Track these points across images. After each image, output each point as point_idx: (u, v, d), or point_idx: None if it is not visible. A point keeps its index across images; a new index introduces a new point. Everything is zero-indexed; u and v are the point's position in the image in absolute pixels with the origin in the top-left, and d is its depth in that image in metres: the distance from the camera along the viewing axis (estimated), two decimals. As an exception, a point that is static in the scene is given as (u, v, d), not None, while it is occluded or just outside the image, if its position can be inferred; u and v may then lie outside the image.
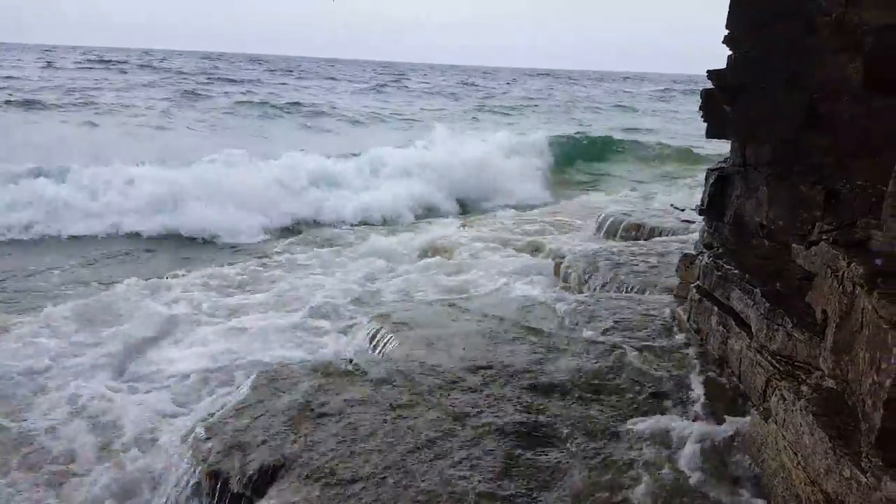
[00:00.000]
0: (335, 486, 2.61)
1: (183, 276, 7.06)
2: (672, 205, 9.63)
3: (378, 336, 4.58)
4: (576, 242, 8.11)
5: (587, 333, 4.14)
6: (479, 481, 2.63)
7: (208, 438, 2.95)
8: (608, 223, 8.60)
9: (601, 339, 4.05)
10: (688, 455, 2.79)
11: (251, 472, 2.71)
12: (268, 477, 2.69)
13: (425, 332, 4.24)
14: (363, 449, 2.85)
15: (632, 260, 6.25)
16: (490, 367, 3.64)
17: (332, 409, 3.20)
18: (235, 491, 2.69)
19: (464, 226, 9.87)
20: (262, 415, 3.14)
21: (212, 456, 2.82)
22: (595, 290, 5.62)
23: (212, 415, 3.22)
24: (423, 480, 2.64)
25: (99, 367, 4.76)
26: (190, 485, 2.80)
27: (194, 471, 2.80)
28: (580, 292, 5.70)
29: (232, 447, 2.86)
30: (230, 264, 7.68)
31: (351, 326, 5.45)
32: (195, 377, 4.63)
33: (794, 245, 3.01)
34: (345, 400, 3.29)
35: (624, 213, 8.91)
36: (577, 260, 6.34)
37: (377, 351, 4.38)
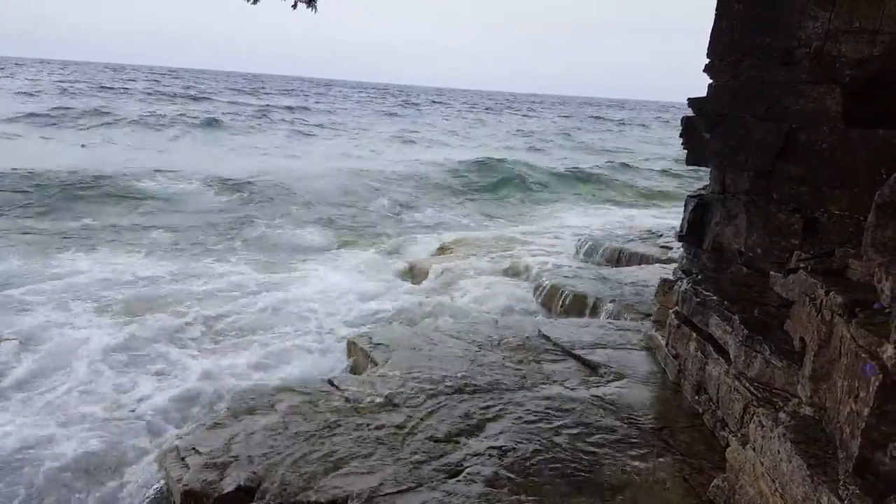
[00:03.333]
0: (311, 508, 2.56)
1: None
2: (650, 230, 9.76)
3: (357, 356, 4.54)
4: (553, 264, 8.14)
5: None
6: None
7: (183, 458, 2.88)
8: (587, 246, 8.67)
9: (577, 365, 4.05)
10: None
11: (226, 493, 2.64)
12: (243, 498, 2.62)
13: (405, 354, 4.20)
14: (342, 471, 2.80)
15: (613, 284, 6.31)
16: (466, 391, 3.62)
17: (310, 430, 3.15)
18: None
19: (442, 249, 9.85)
20: (237, 433, 3.08)
21: (188, 475, 2.75)
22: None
23: (189, 433, 3.14)
24: (401, 504, 2.59)
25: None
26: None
27: (169, 489, 2.72)
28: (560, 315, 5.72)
29: (208, 466, 2.80)
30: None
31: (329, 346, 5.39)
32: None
33: (772, 273, 3.06)
34: (324, 420, 3.24)
35: (604, 237, 8.99)
36: (557, 283, 6.37)
37: (356, 371, 4.34)
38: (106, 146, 18.27)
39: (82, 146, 17.88)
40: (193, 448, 2.95)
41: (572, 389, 3.68)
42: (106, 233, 9.59)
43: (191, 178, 13.80)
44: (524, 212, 14.25)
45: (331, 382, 3.75)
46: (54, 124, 21.77)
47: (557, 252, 8.90)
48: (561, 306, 6.21)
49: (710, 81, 3.84)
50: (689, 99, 3.90)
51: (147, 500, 2.89)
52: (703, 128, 3.88)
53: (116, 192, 12.12)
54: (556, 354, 4.25)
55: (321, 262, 8.77)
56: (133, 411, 4.16)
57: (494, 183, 17.12)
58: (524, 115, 51.73)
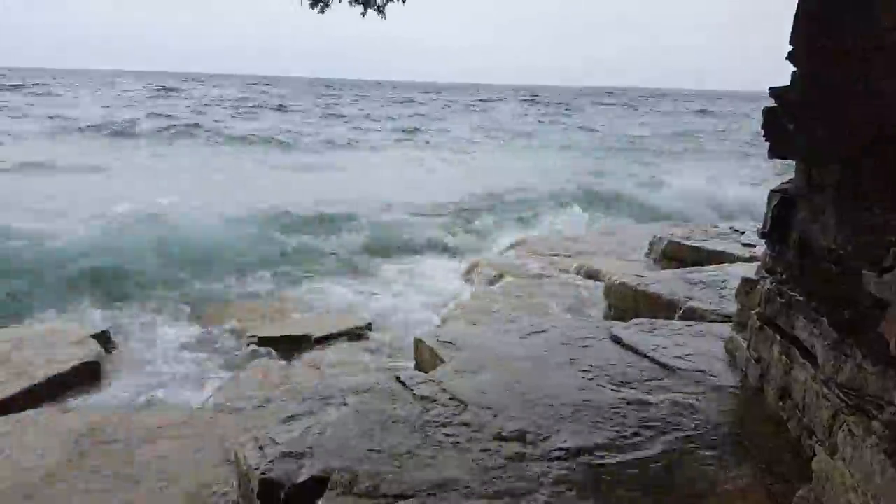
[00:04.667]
0: (380, 501, 2.64)
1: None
2: (732, 227, 9.42)
3: (424, 354, 4.63)
4: (623, 267, 8.00)
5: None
6: (526, 505, 2.61)
7: (262, 447, 3.05)
8: (663, 245, 8.45)
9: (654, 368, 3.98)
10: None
11: (300, 482, 2.78)
12: (315, 489, 2.75)
13: (473, 353, 4.25)
14: (410, 466, 2.88)
15: (690, 284, 6.14)
16: (535, 394, 3.62)
17: (378, 425, 3.25)
18: (286, 499, 2.77)
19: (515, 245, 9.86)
20: (311, 426, 3.22)
21: (265, 464, 2.90)
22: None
23: (265, 426, 3.31)
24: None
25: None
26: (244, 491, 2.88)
27: (247, 476, 2.89)
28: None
29: (283, 456, 2.95)
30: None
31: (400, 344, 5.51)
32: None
33: (864, 271, 2.90)
34: (392, 416, 3.34)
35: (681, 234, 8.75)
36: (629, 282, 6.25)
37: (422, 369, 4.42)
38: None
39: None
40: (271, 438, 3.11)
41: (646, 393, 3.62)
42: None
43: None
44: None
45: (398, 379, 3.84)
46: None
47: (630, 250, 8.75)
48: (634, 307, 6.09)
49: (794, 69, 3.68)
50: (770, 88, 3.75)
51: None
52: (787, 119, 3.72)
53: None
54: (629, 356, 4.18)
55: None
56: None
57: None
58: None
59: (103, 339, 5.45)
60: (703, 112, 53.91)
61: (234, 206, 11.83)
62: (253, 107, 40.79)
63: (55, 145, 20.91)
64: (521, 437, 3.13)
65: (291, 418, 3.35)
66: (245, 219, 11.02)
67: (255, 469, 2.91)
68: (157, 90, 56.02)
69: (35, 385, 4.54)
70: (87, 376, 4.90)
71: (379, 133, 30.08)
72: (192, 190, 13.67)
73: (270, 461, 2.93)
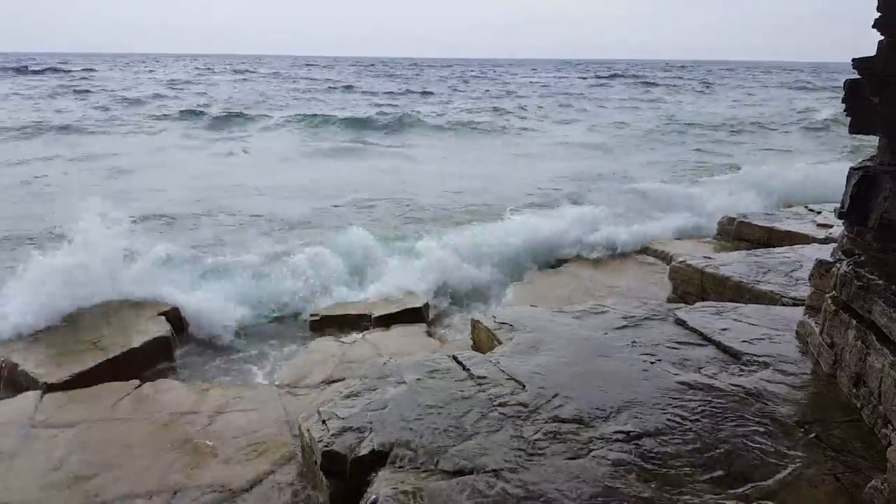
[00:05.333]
0: (438, 476, 2.72)
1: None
2: (807, 206, 9.02)
3: (480, 334, 4.68)
4: (691, 247, 7.79)
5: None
6: (592, 486, 2.64)
7: (325, 421, 3.18)
8: (733, 225, 8.18)
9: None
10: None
11: (361, 455, 2.90)
12: (376, 462, 2.85)
13: (530, 335, 4.27)
14: (467, 444, 2.95)
15: (761, 265, 5.94)
16: (594, 376, 3.62)
17: (436, 403, 3.33)
18: (347, 471, 2.90)
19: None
20: (372, 402, 3.34)
21: (328, 437, 3.04)
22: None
23: (327, 401, 3.45)
24: (530, 482, 2.68)
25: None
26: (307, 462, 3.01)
27: (311, 449, 3.03)
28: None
29: (345, 430, 3.07)
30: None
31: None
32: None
33: (951, 254, 2.76)
34: (449, 395, 3.41)
35: (752, 214, 8.45)
36: (696, 264, 6.10)
37: (479, 349, 4.47)
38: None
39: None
40: (333, 413, 3.24)
41: (711, 377, 3.56)
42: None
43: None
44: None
45: (455, 359, 3.90)
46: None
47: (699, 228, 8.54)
48: (700, 289, 5.95)
49: (881, 38, 3.48)
50: (854, 59, 3.56)
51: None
52: (870, 91, 3.53)
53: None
54: (694, 340, 4.11)
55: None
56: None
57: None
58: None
59: (175, 316, 5.74)
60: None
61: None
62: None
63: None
64: (579, 418, 3.15)
65: (352, 395, 3.47)
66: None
67: (319, 442, 3.05)
68: (235, 74, 55.77)
69: (112, 358, 4.83)
70: (160, 351, 5.18)
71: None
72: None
73: (333, 435, 3.06)
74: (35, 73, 49.12)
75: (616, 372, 3.64)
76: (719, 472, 2.72)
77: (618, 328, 4.32)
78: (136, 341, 5.12)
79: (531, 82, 54.46)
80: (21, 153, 15.68)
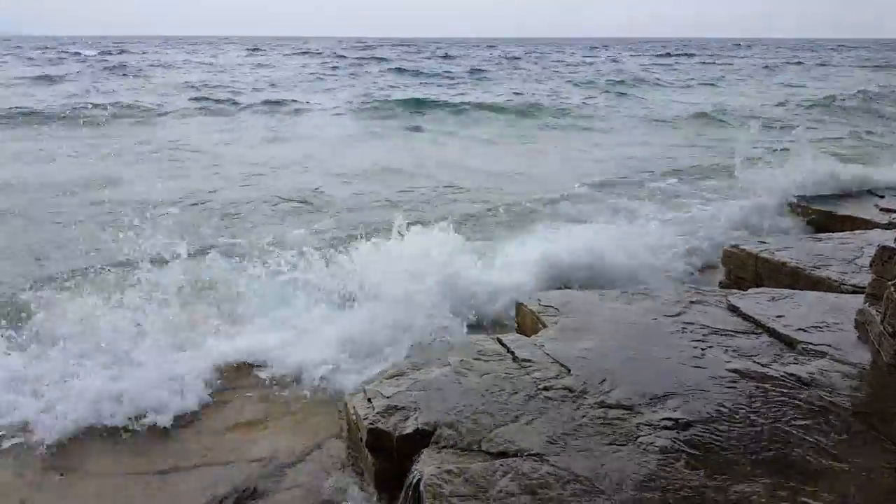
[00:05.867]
0: (481, 457, 2.76)
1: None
2: (869, 189, 8.67)
3: (525, 317, 4.67)
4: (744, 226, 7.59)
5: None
6: (638, 473, 2.63)
7: (370, 399, 3.26)
8: (785, 206, 7.94)
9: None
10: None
11: (406, 433, 2.96)
12: (420, 441, 2.91)
13: (576, 318, 4.25)
14: (511, 426, 2.97)
15: (818, 250, 5.76)
16: (642, 361, 3.58)
17: (479, 384, 3.36)
18: (392, 449, 2.97)
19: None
20: (416, 382, 3.39)
21: (373, 415, 3.10)
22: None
23: (372, 380, 3.52)
24: (574, 467, 2.69)
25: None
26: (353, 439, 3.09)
27: (356, 426, 3.11)
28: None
29: (390, 409, 3.14)
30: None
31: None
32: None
33: None
34: (493, 377, 3.43)
35: (809, 196, 8.17)
36: (749, 248, 5.95)
37: (523, 332, 4.48)
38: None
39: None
40: (378, 391, 3.31)
41: (764, 365, 3.49)
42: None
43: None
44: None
45: (500, 341, 3.92)
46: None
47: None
48: (754, 274, 5.81)
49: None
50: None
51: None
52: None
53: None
54: (746, 326, 4.03)
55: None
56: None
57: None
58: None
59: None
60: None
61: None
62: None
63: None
64: (626, 404, 3.13)
65: (397, 375, 3.53)
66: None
67: (364, 419, 3.12)
68: (336, 59, 54.87)
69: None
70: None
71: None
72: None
73: (378, 413, 3.13)
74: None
75: (665, 358, 3.60)
76: (771, 463, 2.68)
77: (670, 312, 4.26)
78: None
79: (587, 62, 53.65)
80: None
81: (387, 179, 11.43)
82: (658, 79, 35.69)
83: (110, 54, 55.15)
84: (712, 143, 15.62)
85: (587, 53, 71.45)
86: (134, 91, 26.86)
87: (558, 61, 54.28)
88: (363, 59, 53.22)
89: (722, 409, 3.06)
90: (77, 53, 56.12)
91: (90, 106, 20.42)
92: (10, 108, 19.21)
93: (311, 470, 3.35)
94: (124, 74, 35.38)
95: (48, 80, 30.59)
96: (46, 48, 66.43)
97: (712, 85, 33.03)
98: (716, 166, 12.12)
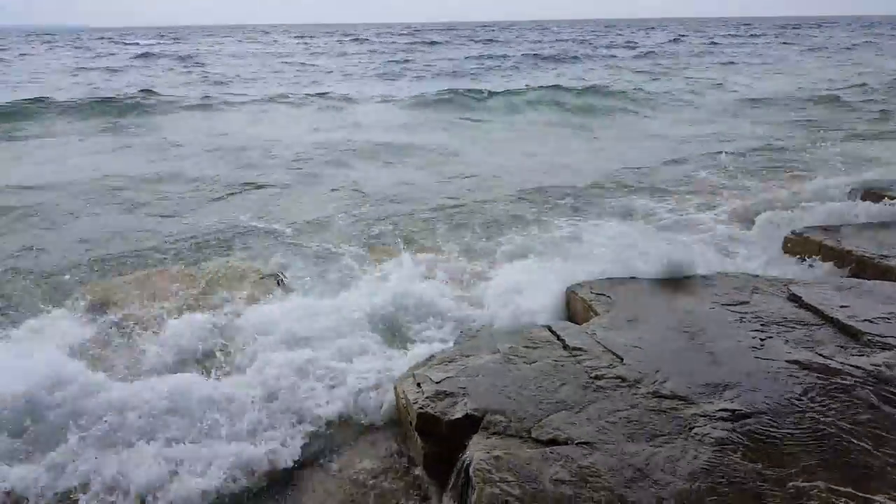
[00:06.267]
0: (531, 444, 2.77)
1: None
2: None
3: (576, 305, 4.63)
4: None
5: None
6: (692, 464, 2.59)
7: (419, 384, 3.31)
8: (848, 191, 7.60)
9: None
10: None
11: (455, 419, 2.99)
12: (470, 426, 2.93)
13: (629, 306, 4.19)
14: (561, 415, 2.97)
15: (884, 239, 5.51)
16: (698, 351, 3.51)
17: (529, 372, 3.36)
18: (441, 433, 3.01)
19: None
20: (465, 368, 3.42)
21: (423, 399, 3.15)
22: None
23: (420, 365, 3.56)
24: (626, 456, 2.67)
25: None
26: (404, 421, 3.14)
27: (406, 410, 3.16)
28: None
29: (439, 394, 3.17)
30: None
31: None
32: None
33: None
34: (543, 365, 3.43)
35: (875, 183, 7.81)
36: (811, 236, 5.73)
37: (574, 320, 4.44)
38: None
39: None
40: (428, 377, 3.35)
41: (827, 357, 3.37)
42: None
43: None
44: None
45: (550, 329, 3.90)
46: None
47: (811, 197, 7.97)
48: (821, 260, 5.59)
49: None
50: None
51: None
52: None
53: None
54: (809, 317, 3.90)
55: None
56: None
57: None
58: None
59: (276, 280, 6.06)
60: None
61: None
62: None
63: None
64: (681, 394, 3.08)
65: (446, 360, 3.56)
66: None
67: (414, 403, 3.16)
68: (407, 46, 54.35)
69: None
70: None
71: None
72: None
73: (427, 398, 3.17)
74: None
75: (722, 347, 3.53)
76: (831, 458, 2.60)
77: (726, 302, 4.16)
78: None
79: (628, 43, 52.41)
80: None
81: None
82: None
83: (173, 44, 56.59)
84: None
85: (643, 35, 69.73)
86: (247, 83, 26.95)
87: (614, 44, 53.15)
88: (411, 44, 53.31)
89: (781, 401, 2.98)
90: (136, 44, 58.06)
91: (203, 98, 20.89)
92: (121, 96, 19.68)
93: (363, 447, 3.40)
94: (197, 64, 36.37)
95: (142, 69, 31.12)
96: (102, 38, 68.53)
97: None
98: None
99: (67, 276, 6.12)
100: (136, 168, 11.27)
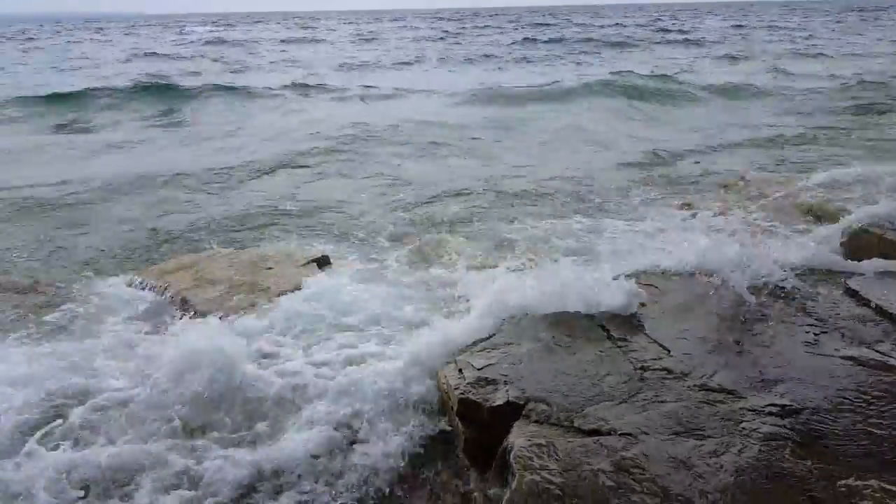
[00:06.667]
0: (573, 433, 2.77)
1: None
2: None
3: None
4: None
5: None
6: (739, 459, 2.56)
7: (461, 370, 3.34)
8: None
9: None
10: None
11: (496, 405, 3.02)
12: (511, 413, 2.96)
13: (677, 297, 4.13)
14: (605, 405, 2.96)
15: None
16: (749, 345, 3.45)
17: (573, 361, 3.36)
18: (482, 419, 3.04)
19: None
20: (507, 355, 3.44)
21: (464, 385, 3.19)
22: None
23: (462, 350, 3.59)
24: (670, 449, 2.66)
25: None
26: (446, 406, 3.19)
27: (448, 396, 3.20)
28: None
29: (480, 381, 3.20)
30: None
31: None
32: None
33: None
34: (587, 354, 3.42)
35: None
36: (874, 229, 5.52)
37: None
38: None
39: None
40: (469, 363, 3.38)
41: (884, 354, 3.27)
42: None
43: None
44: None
45: (595, 319, 3.88)
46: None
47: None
48: (881, 255, 5.38)
49: None
50: None
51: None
52: None
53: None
54: (867, 312, 3.78)
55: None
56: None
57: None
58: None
59: (323, 261, 6.21)
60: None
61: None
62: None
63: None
64: (729, 388, 3.04)
65: (488, 347, 3.58)
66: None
67: (455, 389, 3.20)
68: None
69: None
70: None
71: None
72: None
73: (469, 384, 3.21)
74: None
75: (774, 341, 3.45)
76: (886, 457, 2.53)
77: (779, 295, 4.06)
78: (287, 285, 5.60)
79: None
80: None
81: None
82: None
83: (224, 30, 57.66)
84: None
85: (694, 21, 67.74)
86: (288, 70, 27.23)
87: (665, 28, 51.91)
88: (461, 28, 53.03)
89: (834, 397, 2.91)
90: (193, 31, 59.46)
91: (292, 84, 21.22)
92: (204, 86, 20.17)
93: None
94: (248, 53, 36.82)
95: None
96: (158, 25, 70.35)
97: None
98: None
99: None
100: (199, 156, 11.63)
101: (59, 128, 15.68)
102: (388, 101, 19.20)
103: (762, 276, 4.38)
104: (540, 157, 11.52)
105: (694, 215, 7.43)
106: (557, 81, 20.49)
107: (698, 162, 10.56)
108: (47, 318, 4.94)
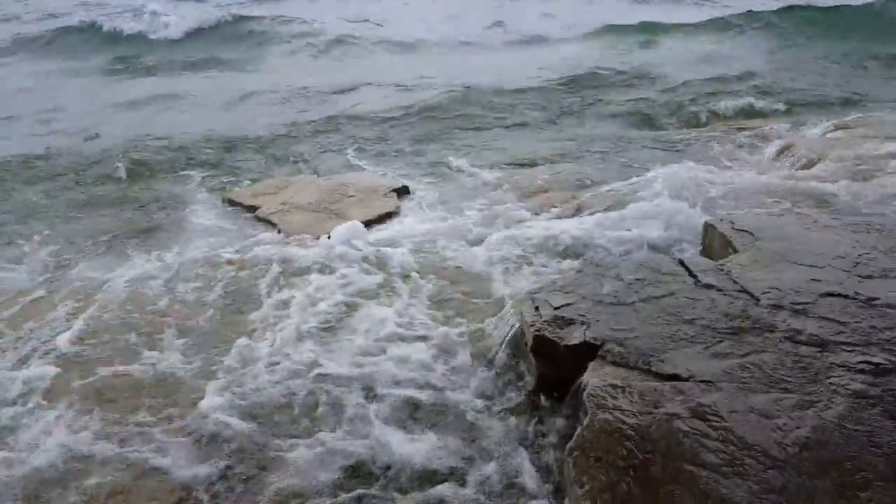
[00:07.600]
0: (650, 377, 2.80)
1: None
2: None
3: (714, 240, 4.46)
4: None
5: None
6: (823, 414, 2.53)
7: (537, 308, 3.40)
8: None
9: None
10: None
11: (572, 344, 3.07)
12: (586, 353, 3.01)
13: (772, 244, 3.97)
14: (685, 351, 2.95)
15: None
16: (847, 298, 3.30)
17: (654, 306, 3.34)
18: (557, 356, 3.11)
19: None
20: (585, 296, 3.46)
21: (540, 322, 3.26)
22: None
23: (541, 288, 3.65)
24: (751, 399, 2.64)
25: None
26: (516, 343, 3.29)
27: (523, 332, 3.28)
28: None
29: (557, 319, 3.26)
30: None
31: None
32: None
33: None
34: (670, 299, 3.39)
35: None
36: None
37: (710, 256, 4.29)
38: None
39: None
40: (547, 301, 3.43)
41: None
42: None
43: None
44: None
45: (681, 263, 3.81)
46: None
47: None
48: None
49: None
50: None
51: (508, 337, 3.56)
52: None
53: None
54: None
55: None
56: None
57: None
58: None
59: (403, 191, 6.39)
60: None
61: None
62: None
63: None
64: (819, 342, 2.95)
65: (567, 286, 3.61)
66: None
67: (531, 326, 3.27)
68: None
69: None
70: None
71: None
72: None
73: (545, 321, 3.26)
74: None
75: (876, 296, 3.29)
76: None
77: (888, 248, 3.83)
78: (369, 213, 5.82)
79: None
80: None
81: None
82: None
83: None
84: None
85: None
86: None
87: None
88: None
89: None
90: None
91: None
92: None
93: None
94: None
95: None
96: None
97: None
98: None
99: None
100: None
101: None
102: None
103: (874, 225, 4.14)
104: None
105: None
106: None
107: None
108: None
